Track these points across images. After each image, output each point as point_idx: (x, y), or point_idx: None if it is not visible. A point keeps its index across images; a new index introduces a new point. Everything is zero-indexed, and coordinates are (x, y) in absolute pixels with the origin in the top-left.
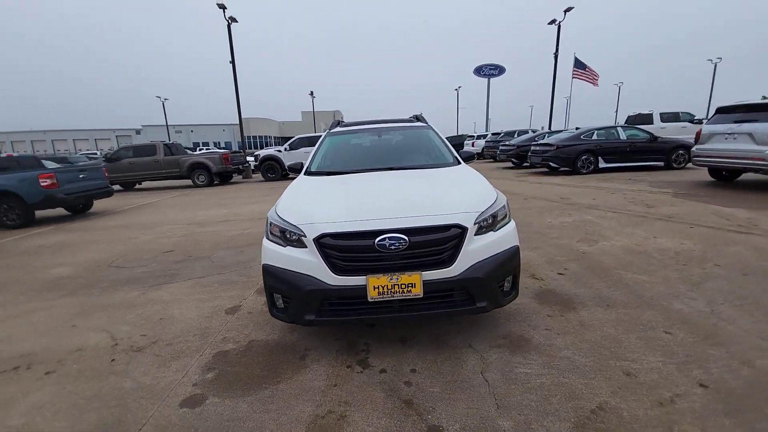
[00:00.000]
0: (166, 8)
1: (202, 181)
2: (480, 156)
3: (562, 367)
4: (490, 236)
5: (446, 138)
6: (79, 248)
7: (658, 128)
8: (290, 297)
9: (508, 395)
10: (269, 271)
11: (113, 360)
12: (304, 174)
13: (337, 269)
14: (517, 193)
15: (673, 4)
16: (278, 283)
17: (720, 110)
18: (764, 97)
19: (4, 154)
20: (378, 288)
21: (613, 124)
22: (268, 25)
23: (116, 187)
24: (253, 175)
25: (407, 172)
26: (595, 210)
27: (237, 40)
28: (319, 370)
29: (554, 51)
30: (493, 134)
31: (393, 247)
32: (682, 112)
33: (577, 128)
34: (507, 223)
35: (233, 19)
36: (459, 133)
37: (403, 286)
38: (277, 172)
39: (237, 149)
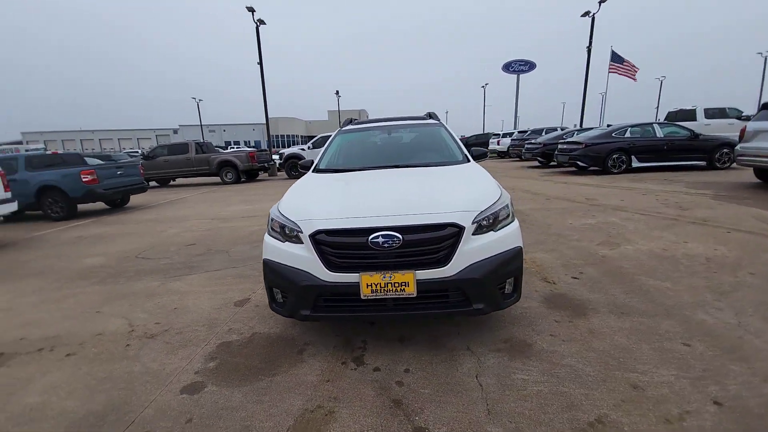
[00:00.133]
0: (211, 27)
1: (230, 179)
2: (505, 154)
3: (562, 376)
4: (490, 236)
5: (472, 136)
6: (113, 240)
7: (702, 125)
8: (287, 291)
9: (502, 401)
10: (269, 266)
11: (128, 345)
12: (312, 171)
13: (331, 266)
14: (540, 193)
15: None
16: (277, 278)
17: (766, 106)
18: None
19: (50, 152)
20: (371, 286)
21: (652, 120)
22: (297, 24)
23: (152, 183)
24: (278, 173)
25: (411, 170)
26: (622, 212)
27: (271, 43)
28: (314, 364)
29: (587, 44)
30: (519, 132)
31: (386, 245)
32: (729, 108)
33: (608, 125)
34: (509, 223)
35: (261, 22)
36: (485, 131)
37: (396, 285)
38: None
39: (264, 148)
